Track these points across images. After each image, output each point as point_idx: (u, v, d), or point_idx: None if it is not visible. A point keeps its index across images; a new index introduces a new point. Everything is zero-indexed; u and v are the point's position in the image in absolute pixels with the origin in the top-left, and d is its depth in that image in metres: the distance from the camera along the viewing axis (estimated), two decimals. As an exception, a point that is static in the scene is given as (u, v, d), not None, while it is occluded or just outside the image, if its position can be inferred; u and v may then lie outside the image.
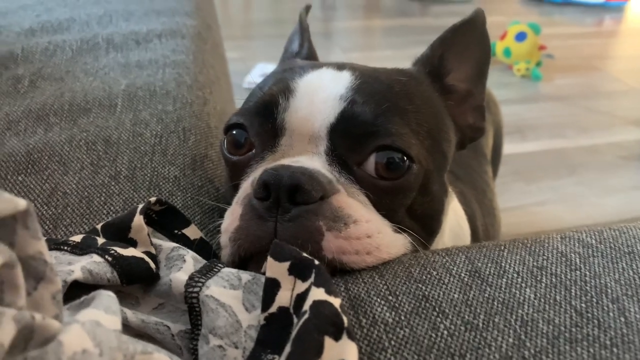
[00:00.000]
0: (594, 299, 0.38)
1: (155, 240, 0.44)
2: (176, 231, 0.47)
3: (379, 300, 0.39)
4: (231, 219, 0.45)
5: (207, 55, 0.84)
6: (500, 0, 4.07)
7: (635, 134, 2.41)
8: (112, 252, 0.40)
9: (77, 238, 0.43)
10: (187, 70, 0.73)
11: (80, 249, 0.40)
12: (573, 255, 0.43)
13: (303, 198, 0.42)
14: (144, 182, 0.53)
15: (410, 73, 0.55)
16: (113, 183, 0.53)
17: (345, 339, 0.32)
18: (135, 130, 0.59)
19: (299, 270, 0.37)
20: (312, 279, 0.36)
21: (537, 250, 0.44)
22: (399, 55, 3.05)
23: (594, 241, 0.45)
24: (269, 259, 0.37)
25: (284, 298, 0.36)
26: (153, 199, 0.46)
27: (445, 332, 0.36)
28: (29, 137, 0.59)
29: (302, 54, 0.64)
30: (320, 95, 0.48)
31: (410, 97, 0.50)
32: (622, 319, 0.37)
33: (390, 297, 0.39)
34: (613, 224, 1.61)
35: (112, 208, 0.50)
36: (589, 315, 0.37)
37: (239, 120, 0.50)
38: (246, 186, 0.46)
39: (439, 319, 0.37)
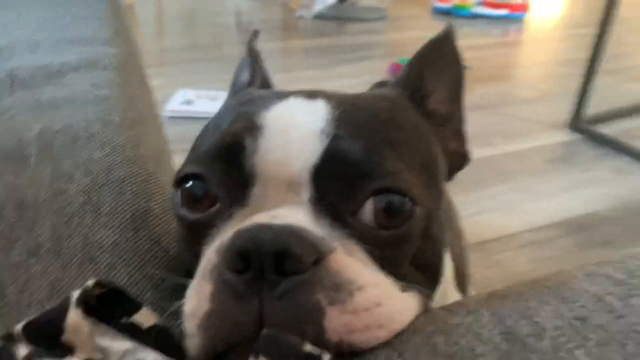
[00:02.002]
0: (655, 354, 0.32)
1: (100, 342, 0.33)
2: (124, 320, 0.36)
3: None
4: (198, 299, 0.35)
5: (134, 87, 0.73)
6: (411, 16, 4.19)
7: (556, 137, 2.52)
8: None
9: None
10: (114, 107, 0.62)
11: None
12: (609, 297, 0.37)
13: (293, 266, 0.33)
14: (74, 254, 0.42)
15: (393, 98, 0.48)
16: (33, 260, 0.41)
17: None
18: (56, 187, 0.47)
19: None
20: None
21: (566, 295, 0.38)
22: (323, 75, 3.03)
23: (624, 276, 0.40)
24: (262, 359, 0.28)
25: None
26: (91, 282, 0.35)
27: None
28: None
29: (256, 84, 0.55)
30: (296, 131, 0.39)
31: (399, 126, 0.43)
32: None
33: (419, 383, 0.31)
34: (552, 226, 1.62)
35: (34, 297, 0.38)
36: (659, 377, 0.31)
37: (196, 170, 0.40)
38: (212, 254, 0.36)
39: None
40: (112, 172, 0.51)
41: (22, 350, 0.31)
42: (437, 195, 0.44)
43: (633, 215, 1.95)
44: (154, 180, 0.55)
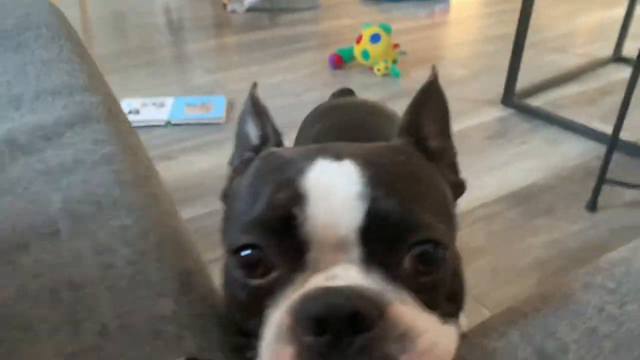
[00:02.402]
0: (655, 354, 0.41)
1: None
2: (209, 386, 0.41)
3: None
4: None
5: (129, 135, 0.75)
6: (341, 2, 4.24)
7: (491, 114, 2.67)
8: None
9: None
10: (123, 165, 0.64)
11: None
12: (609, 307, 0.45)
13: (365, 325, 0.38)
14: (141, 330, 0.45)
15: (404, 149, 0.54)
16: (105, 342, 0.43)
17: None
18: (101, 262, 0.50)
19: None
20: None
21: (575, 309, 0.46)
22: (263, 70, 3.04)
23: (614, 285, 0.48)
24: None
25: None
26: None
27: None
28: (-41, 298, 0.47)
29: (272, 141, 0.59)
30: (337, 196, 0.44)
31: (417, 177, 0.49)
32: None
33: (484, 410, 0.38)
34: (498, 200, 1.75)
35: (120, 378, 0.41)
36: (663, 375, 0.39)
37: (252, 241, 0.44)
38: (283, 316, 0.41)
39: (542, 422, 0.36)
40: (147, 237, 0.54)
41: None
42: (454, 232, 0.51)
43: (566, 182, 2.13)
44: (179, 237, 0.58)
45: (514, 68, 2.58)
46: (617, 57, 3.05)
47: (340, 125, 1.06)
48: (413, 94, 0.58)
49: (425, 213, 0.44)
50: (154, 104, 2.56)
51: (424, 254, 0.43)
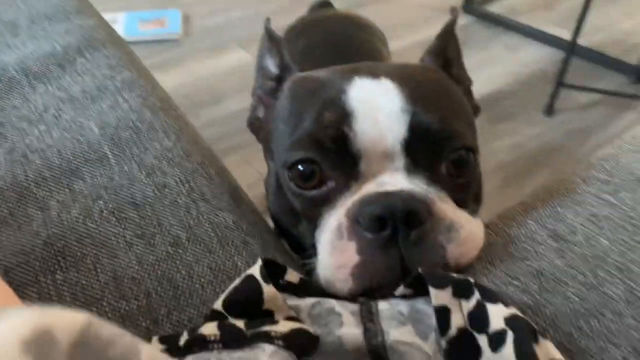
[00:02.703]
0: (646, 230, 0.49)
1: (290, 302, 0.43)
2: (282, 281, 0.47)
3: (511, 288, 0.45)
4: (343, 254, 0.46)
5: (134, 57, 0.75)
6: None
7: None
8: (274, 334, 0.39)
9: (211, 329, 0.40)
10: (144, 90, 0.65)
11: (235, 342, 0.39)
12: (605, 195, 0.54)
13: (418, 221, 0.45)
14: (210, 239, 0.50)
15: (435, 68, 0.58)
16: (180, 251, 0.49)
17: (541, 339, 0.38)
18: (156, 182, 0.54)
19: (461, 292, 0.41)
20: (477, 296, 0.41)
21: (578, 199, 0.54)
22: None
23: (607, 176, 0.56)
24: (432, 289, 0.41)
25: (458, 320, 0.40)
26: (260, 262, 0.45)
27: (576, 297, 0.44)
28: (27, 223, 0.50)
29: (293, 68, 0.62)
30: (382, 113, 0.49)
31: (449, 93, 0.54)
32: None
33: (515, 282, 0.46)
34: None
35: (202, 280, 0.47)
36: (653, 244, 0.48)
37: (308, 155, 0.49)
38: (342, 218, 0.47)
39: (563, 288, 0.45)
40: (190, 157, 0.58)
41: (238, 323, 0.41)
42: (477, 140, 0.57)
43: (526, 87, 2.23)
44: (214, 156, 0.62)
45: (474, -26, 2.58)
46: (572, -40, 3.08)
47: (329, 40, 1.08)
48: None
49: (457, 123, 0.50)
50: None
51: (459, 159, 0.50)
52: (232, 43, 2.42)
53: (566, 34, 2.25)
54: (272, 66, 0.65)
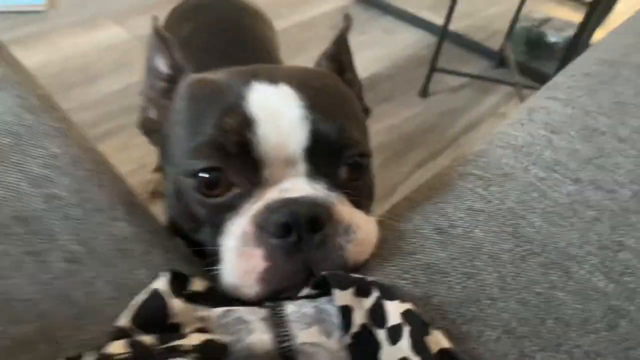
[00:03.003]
0: (512, 221, 0.57)
1: (197, 314, 0.44)
2: (186, 291, 0.47)
3: (403, 282, 0.50)
4: (250, 261, 0.48)
5: (7, 50, 0.69)
6: None
7: (335, 3, 2.76)
8: (184, 348, 0.39)
9: (118, 347, 0.40)
10: (22, 88, 0.60)
11: (145, 359, 0.39)
12: (479, 190, 0.60)
13: (320, 226, 0.47)
14: (110, 252, 0.48)
15: (330, 73, 0.61)
16: (77, 267, 0.46)
17: (433, 330, 0.43)
18: (44, 194, 0.50)
19: (361, 291, 0.45)
20: (376, 293, 0.45)
21: (456, 193, 0.60)
22: None
23: (480, 172, 0.63)
24: (335, 291, 0.44)
25: (360, 317, 0.44)
26: (164, 275, 0.45)
27: (458, 286, 0.50)
28: None
29: (186, 68, 0.61)
30: (283, 119, 0.50)
31: (345, 98, 0.57)
32: (533, 229, 0.56)
33: (406, 276, 0.50)
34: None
35: (101, 297, 0.46)
36: (517, 234, 0.55)
37: (213, 164, 0.49)
38: (247, 226, 0.48)
39: (447, 279, 0.50)
40: (81, 164, 0.55)
41: (147, 338, 0.41)
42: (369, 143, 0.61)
43: (402, 71, 2.36)
44: (103, 159, 0.60)
45: (353, -44, 2.65)
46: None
47: (215, 26, 1.06)
48: None
49: (354, 131, 0.53)
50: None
51: (355, 164, 0.53)
52: (104, 17, 2.26)
53: (437, 19, 2.40)
54: (162, 66, 0.63)
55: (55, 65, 1.99)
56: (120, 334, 0.42)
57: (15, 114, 0.56)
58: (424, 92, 2.16)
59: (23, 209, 0.49)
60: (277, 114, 0.50)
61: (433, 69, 2.10)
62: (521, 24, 2.41)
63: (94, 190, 0.53)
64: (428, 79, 2.13)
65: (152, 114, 0.63)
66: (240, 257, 0.48)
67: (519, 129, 0.70)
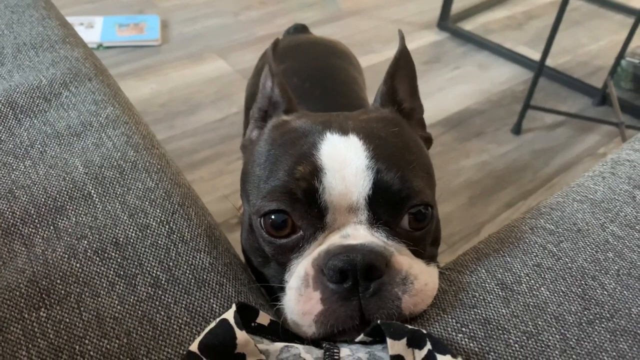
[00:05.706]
0: (582, 281, 0.55)
1: (260, 347, 0.48)
2: (253, 324, 0.51)
3: (460, 335, 0.50)
4: (308, 303, 0.51)
5: (119, 91, 0.78)
6: None
7: (428, 38, 2.77)
8: None
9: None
10: (128, 127, 0.69)
11: None
12: (549, 246, 0.59)
13: (376, 274, 0.50)
14: (189, 281, 0.54)
15: (392, 118, 0.63)
16: (160, 292, 0.52)
17: None
18: (138, 223, 0.57)
19: (414, 342, 0.46)
20: (428, 346, 0.46)
21: (525, 248, 0.59)
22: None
23: (553, 226, 0.62)
24: (389, 340, 0.46)
25: (411, 367, 0.45)
26: (234, 307, 0.49)
27: (516, 345, 0.50)
28: (12, 260, 0.53)
29: (280, 106, 0.66)
30: (348, 169, 0.53)
31: (408, 146, 0.59)
32: (605, 292, 0.54)
33: (464, 329, 0.51)
34: (436, 124, 1.90)
35: (177, 321, 0.51)
36: (587, 296, 0.54)
37: (280, 207, 0.53)
38: (308, 267, 0.52)
39: (506, 336, 0.50)
40: (172, 198, 0.61)
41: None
42: (434, 189, 0.62)
43: (495, 106, 2.31)
44: (193, 194, 0.66)
45: (450, -9, 2.65)
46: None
47: (307, 67, 1.12)
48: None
49: (418, 180, 0.55)
50: (81, 24, 2.42)
51: (417, 214, 0.55)
52: (210, 52, 2.44)
53: (534, 55, 2.33)
54: (268, 90, 0.69)
55: (163, 95, 2.18)
56: (191, 358, 0.47)
57: (121, 151, 0.65)
58: (517, 129, 2.09)
59: (120, 235, 0.56)
60: (344, 164, 0.54)
61: (527, 105, 2.04)
62: (627, 59, 2.28)
63: (180, 222, 0.59)
64: (522, 115, 2.07)
65: (254, 135, 0.70)
66: (300, 297, 0.52)
67: (599, 182, 0.68)
